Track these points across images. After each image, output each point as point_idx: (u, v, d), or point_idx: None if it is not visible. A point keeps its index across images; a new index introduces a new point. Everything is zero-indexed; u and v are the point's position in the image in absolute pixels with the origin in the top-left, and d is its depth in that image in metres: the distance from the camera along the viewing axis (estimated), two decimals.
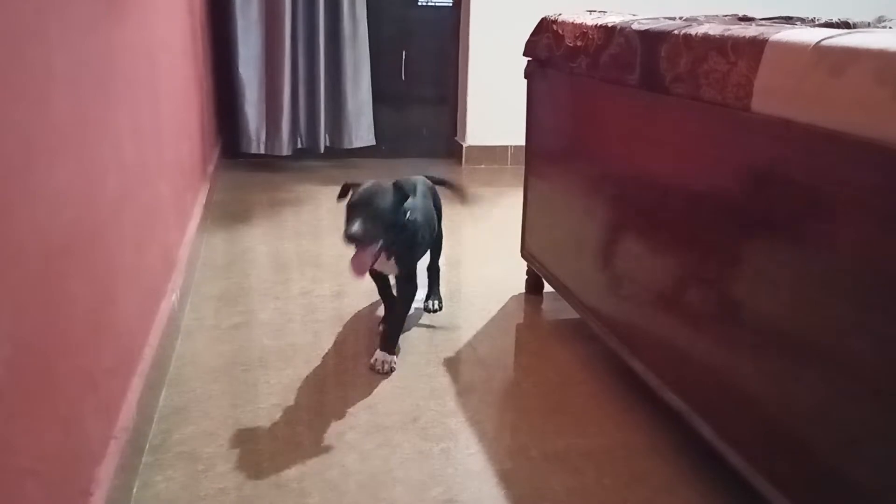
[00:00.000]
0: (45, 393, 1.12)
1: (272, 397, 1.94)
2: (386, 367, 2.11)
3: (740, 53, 1.42)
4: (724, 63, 1.47)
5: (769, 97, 1.36)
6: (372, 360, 2.13)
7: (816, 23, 1.70)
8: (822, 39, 1.26)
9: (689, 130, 1.62)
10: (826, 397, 1.25)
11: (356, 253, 1.96)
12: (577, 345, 2.30)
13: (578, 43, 2.13)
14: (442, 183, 2.55)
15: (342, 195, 2.10)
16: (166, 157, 2.46)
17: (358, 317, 2.48)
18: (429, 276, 2.57)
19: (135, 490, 1.56)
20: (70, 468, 1.22)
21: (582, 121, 2.20)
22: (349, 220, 1.93)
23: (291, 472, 1.63)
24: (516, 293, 2.71)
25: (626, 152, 1.92)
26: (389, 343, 2.16)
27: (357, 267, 1.95)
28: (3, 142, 0.98)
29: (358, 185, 2.03)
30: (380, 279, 2.35)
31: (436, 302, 2.55)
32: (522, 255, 2.69)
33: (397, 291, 2.25)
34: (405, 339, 2.31)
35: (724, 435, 1.52)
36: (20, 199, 1.04)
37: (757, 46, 1.38)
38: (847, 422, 1.21)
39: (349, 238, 1.90)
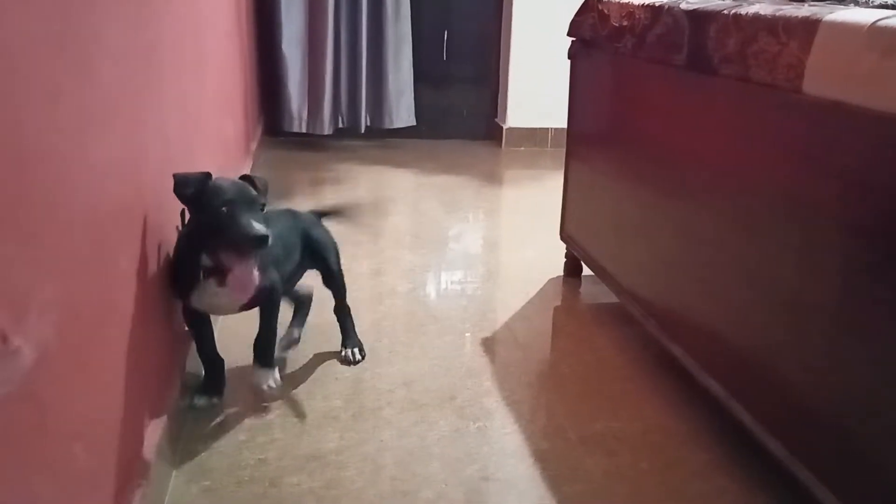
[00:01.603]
0: (93, 359, 1.14)
1: (310, 372, 1.97)
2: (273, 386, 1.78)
3: (792, 34, 1.39)
4: (774, 43, 1.44)
5: (821, 78, 1.32)
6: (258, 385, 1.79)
7: (871, 4, 1.65)
8: (877, 20, 1.22)
9: (736, 112, 1.59)
10: (871, 387, 1.23)
11: (245, 265, 1.57)
12: (615, 328, 2.29)
13: (624, 23, 2.10)
14: (333, 212, 2.28)
15: (184, 188, 1.59)
16: (209, 134, 2.49)
17: (395, 294, 2.49)
18: (338, 321, 2.12)
19: (177, 458, 1.59)
20: (116, 433, 1.25)
21: (626, 102, 2.17)
22: (235, 217, 1.54)
23: (329, 445, 1.66)
24: (555, 276, 2.70)
25: (670, 134, 1.89)
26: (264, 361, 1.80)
27: (248, 285, 1.59)
28: (57, 111, 1.00)
29: (199, 176, 1.60)
30: (204, 325, 1.80)
31: (355, 350, 2.05)
32: (562, 238, 2.67)
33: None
34: (442, 320, 2.31)
35: (763, 422, 1.50)
36: (74, 169, 1.06)
37: (810, 27, 1.35)
38: (891, 411, 1.19)
39: (258, 240, 1.53)
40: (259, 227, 1.53)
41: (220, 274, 1.60)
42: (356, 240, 3.01)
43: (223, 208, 1.55)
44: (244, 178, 1.71)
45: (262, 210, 1.65)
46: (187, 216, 1.68)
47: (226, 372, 1.84)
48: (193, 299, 1.67)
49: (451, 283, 2.64)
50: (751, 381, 1.55)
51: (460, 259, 2.90)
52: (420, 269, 2.74)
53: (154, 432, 1.46)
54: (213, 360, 1.81)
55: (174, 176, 1.57)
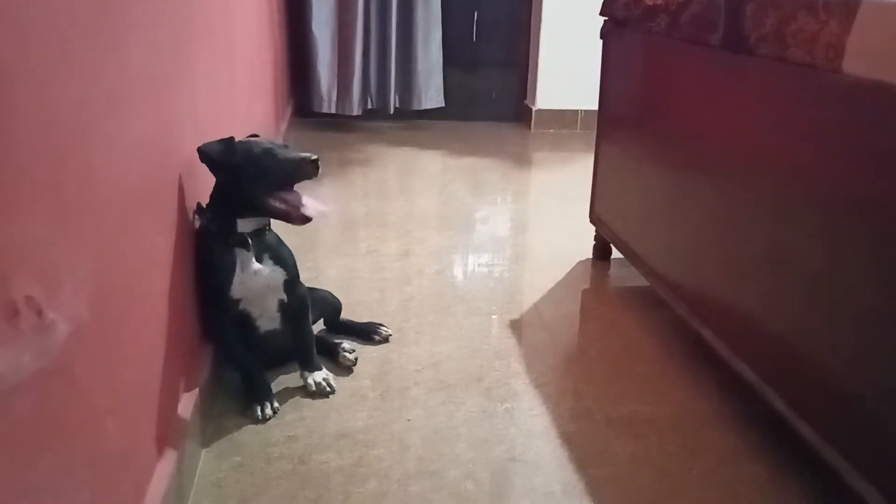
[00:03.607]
0: (126, 334, 1.16)
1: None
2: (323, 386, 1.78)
3: (832, 12, 1.35)
4: (813, 23, 1.40)
5: (862, 58, 1.29)
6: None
7: None
8: None
9: (773, 93, 1.55)
10: None
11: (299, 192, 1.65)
12: (643, 312, 2.27)
13: (658, 1, 2.06)
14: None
15: (212, 151, 1.60)
16: (239, 114, 2.50)
17: (423, 276, 2.49)
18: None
19: (208, 434, 1.61)
20: (148, 408, 1.27)
21: (659, 82, 2.14)
22: (276, 154, 1.61)
23: (357, 424, 1.67)
24: (583, 259, 2.68)
25: (705, 116, 1.86)
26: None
27: (315, 203, 1.66)
28: (91, 90, 1.01)
29: (223, 140, 1.63)
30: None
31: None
32: (591, 220, 2.65)
33: (291, 302, 1.79)
34: (470, 302, 2.31)
35: (796, 407, 1.48)
36: (107, 148, 1.07)
37: (850, 5, 1.31)
38: None
39: (312, 163, 1.61)
40: (305, 154, 1.61)
41: (261, 235, 1.69)
42: (383, 221, 3.02)
43: (259, 153, 1.60)
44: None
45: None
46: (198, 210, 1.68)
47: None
48: (235, 287, 1.65)
49: (479, 264, 2.64)
50: (785, 366, 1.53)
51: (488, 241, 2.89)
52: (448, 250, 2.74)
53: (185, 408, 1.49)
54: (258, 366, 1.77)
55: (198, 149, 1.59)
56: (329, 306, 2.05)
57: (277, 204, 1.62)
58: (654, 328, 2.17)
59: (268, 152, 1.61)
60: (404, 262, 2.62)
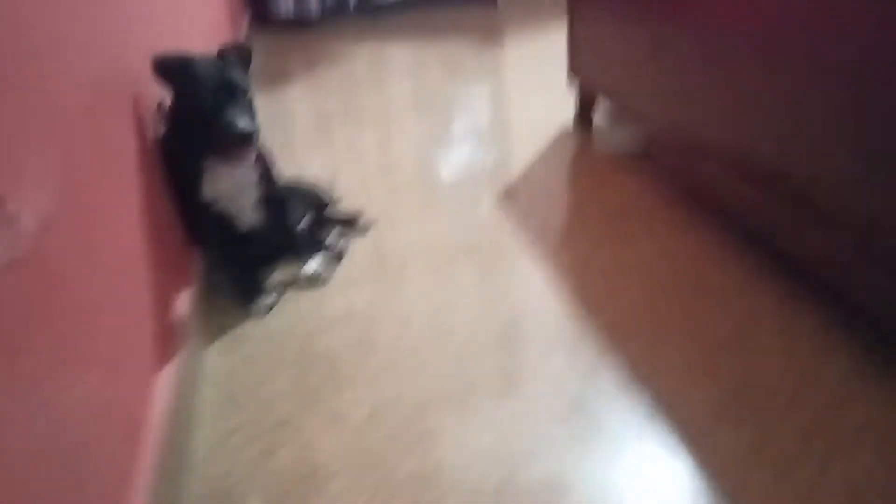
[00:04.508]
0: (103, 228, 1.12)
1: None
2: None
3: None
4: None
5: None
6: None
7: None
8: None
9: None
10: None
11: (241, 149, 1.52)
12: (630, 172, 2.24)
13: None
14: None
15: (163, 69, 1.51)
16: (196, 18, 2.40)
17: (405, 161, 2.45)
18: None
19: (210, 332, 1.60)
20: (144, 305, 1.25)
21: None
22: (220, 110, 1.49)
23: (356, 306, 1.66)
24: (565, 127, 2.63)
25: None
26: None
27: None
28: None
29: (179, 59, 1.51)
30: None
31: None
32: (571, 71, 2.54)
33: (270, 198, 1.73)
34: (456, 181, 2.28)
35: (795, 228, 1.47)
36: (63, 40, 1.00)
37: None
38: None
39: (243, 137, 1.49)
40: (245, 124, 1.48)
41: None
42: (359, 115, 2.94)
43: (206, 99, 1.48)
44: (225, 51, 1.59)
45: (247, 94, 1.56)
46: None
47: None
48: (206, 190, 1.58)
49: (461, 144, 2.59)
50: (783, 191, 1.51)
51: (468, 121, 2.82)
52: (427, 135, 2.68)
53: (184, 305, 1.47)
54: (248, 261, 1.74)
55: (153, 58, 1.49)
56: (317, 197, 2.01)
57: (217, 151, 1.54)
58: (643, 185, 2.14)
59: (215, 101, 1.49)
60: (385, 150, 2.56)
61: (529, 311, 1.59)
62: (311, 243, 1.85)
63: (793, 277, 1.60)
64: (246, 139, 1.49)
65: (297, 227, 1.80)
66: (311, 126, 2.85)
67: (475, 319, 1.57)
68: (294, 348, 1.53)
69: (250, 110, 1.56)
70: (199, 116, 1.49)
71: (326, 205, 2.05)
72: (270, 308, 1.67)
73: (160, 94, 1.60)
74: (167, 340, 1.33)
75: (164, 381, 1.23)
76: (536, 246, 1.84)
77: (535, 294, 1.65)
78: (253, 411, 1.36)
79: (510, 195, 2.15)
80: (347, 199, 2.17)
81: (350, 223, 2.01)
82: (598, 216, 1.98)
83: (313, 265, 1.77)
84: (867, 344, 1.38)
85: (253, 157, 1.57)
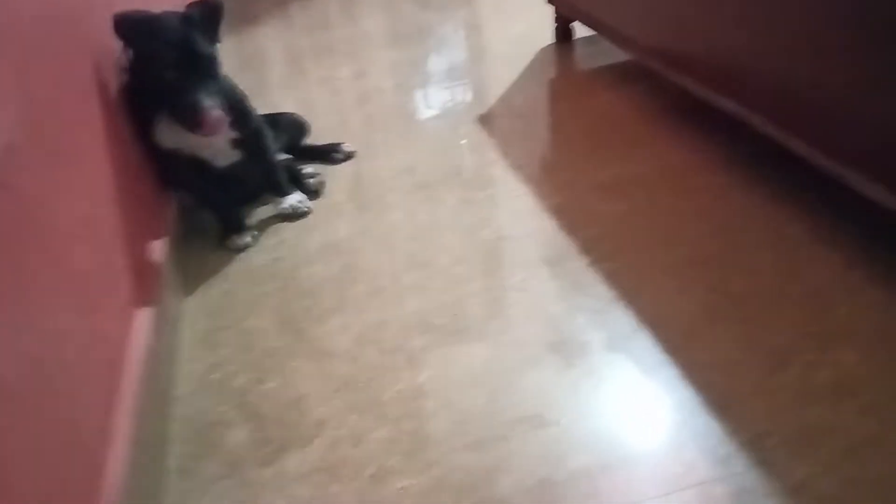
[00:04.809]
0: (69, 155, 1.07)
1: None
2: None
3: None
4: None
5: None
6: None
7: None
8: None
9: None
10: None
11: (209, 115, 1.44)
12: (613, 87, 2.18)
13: None
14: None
15: (125, 31, 1.43)
16: None
17: (381, 91, 2.38)
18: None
19: (191, 269, 1.57)
20: (120, 239, 1.20)
21: None
22: (184, 76, 1.43)
23: (339, 236, 1.62)
24: (545, 45, 2.56)
25: None
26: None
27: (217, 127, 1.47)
28: None
29: (141, 20, 1.43)
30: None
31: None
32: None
33: (246, 137, 1.67)
34: (435, 106, 2.22)
35: (781, 124, 1.43)
36: None
37: None
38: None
39: (205, 115, 1.42)
40: (207, 104, 1.41)
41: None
42: (331, 49, 2.86)
43: (168, 71, 1.41)
44: (192, 9, 1.49)
45: (214, 63, 1.48)
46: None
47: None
48: (170, 139, 1.52)
49: (438, 70, 2.52)
50: (769, 91, 1.46)
51: (444, 47, 2.75)
52: (403, 64, 2.60)
53: (160, 245, 1.43)
54: (226, 199, 1.68)
55: (114, 16, 1.41)
56: (299, 128, 1.96)
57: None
58: (625, 100, 2.09)
59: (177, 77, 1.42)
60: (360, 82, 2.49)
61: (513, 233, 1.55)
62: (291, 176, 1.80)
63: (776, 186, 1.56)
64: (210, 116, 1.42)
65: (276, 162, 1.74)
66: (284, 64, 2.77)
67: (459, 244, 1.54)
68: (276, 282, 1.50)
69: (216, 82, 1.47)
70: (159, 87, 1.42)
71: (304, 135, 1.99)
72: (249, 244, 1.63)
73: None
74: (144, 279, 1.29)
75: (143, 319, 1.20)
76: (519, 168, 1.80)
77: (518, 215, 1.61)
78: (236, 345, 1.33)
79: (491, 118, 2.09)
80: (326, 133, 2.11)
81: (327, 155, 1.96)
82: (579, 134, 1.93)
83: (294, 198, 1.73)
84: (861, 245, 1.36)
85: (222, 128, 1.48)
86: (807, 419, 1.02)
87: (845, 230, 1.39)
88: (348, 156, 1.96)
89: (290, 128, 1.92)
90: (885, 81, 1.15)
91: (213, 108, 1.42)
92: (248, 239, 1.64)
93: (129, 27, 1.41)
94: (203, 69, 1.45)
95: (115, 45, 1.50)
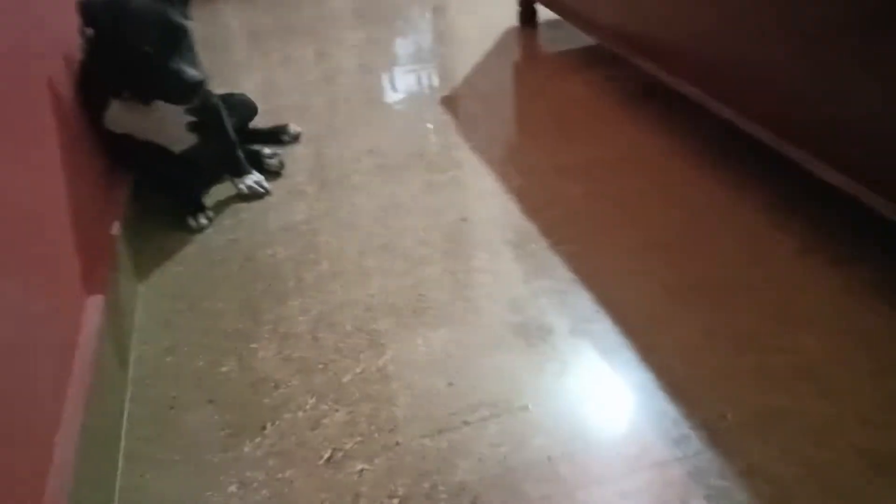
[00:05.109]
0: (12, 119, 1.03)
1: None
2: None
3: None
4: None
5: None
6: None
7: None
8: None
9: None
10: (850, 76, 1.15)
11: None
12: (578, 71, 2.17)
13: None
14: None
15: (94, 19, 1.38)
16: None
17: (344, 72, 2.34)
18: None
19: (144, 252, 1.53)
20: (71, 215, 1.17)
21: None
22: (163, 62, 1.38)
23: (299, 217, 1.59)
24: (510, 27, 2.54)
25: None
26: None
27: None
28: None
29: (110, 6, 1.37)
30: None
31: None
32: None
33: (203, 119, 1.61)
34: (398, 87, 2.19)
35: (745, 113, 1.44)
36: None
37: None
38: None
39: (193, 88, 1.40)
40: (192, 74, 1.38)
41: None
42: (293, 28, 2.81)
43: (147, 46, 1.36)
44: None
45: (188, 35, 1.43)
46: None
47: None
48: (125, 126, 1.48)
49: (403, 51, 2.49)
50: (731, 79, 1.47)
51: (409, 28, 2.71)
52: (367, 45, 2.57)
53: (114, 226, 1.39)
54: (182, 181, 1.64)
55: (78, 2, 1.34)
56: (248, 109, 1.91)
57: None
58: (589, 84, 2.08)
59: (156, 51, 1.37)
60: (323, 63, 2.45)
61: (476, 215, 1.54)
62: (250, 157, 1.76)
63: (737, 171, 1.57)
64: (195, 88, 1.39)
65: (235, 142, 1.70)
66: (245, 43, 2.71)
67: (424, 225, 1.52)
68: (235, 263, 1.47)
69: (194, 53, 1.44)
70: (139, 64, 1.37)
71: (253, 116, 1.94)
72: (205, 226, 1.59)
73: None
74: (96, 260, 1.25)
75: (95, 302, 1.16)
76: (482, 150, 1.79)
77: (482, 197, 1.60)
78: (193, 327, 1.31)
79: (457, 99, 2.07)
80: (286, 111, 2.07)
81: (274, 137, 1.91)
82: (543, 117, 1.92)
83: (253, 178, 1.69)
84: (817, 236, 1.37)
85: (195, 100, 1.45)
86: (764, 403, 1.03)
87: (805, 216, 1.40)
88: (295, 137, 1.93)
89: (239, 108, 1.86)
90: (841, 69, 1.16)
91: (197, 77, 1.39)
92: (204, 221, 1.60)
93: (98, 11, 1.36)
94: (179, 41, 1.41)
95: (67, 29, 1.45)
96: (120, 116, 1.47)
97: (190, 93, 1.40)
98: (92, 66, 1.45)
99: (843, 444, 0.96)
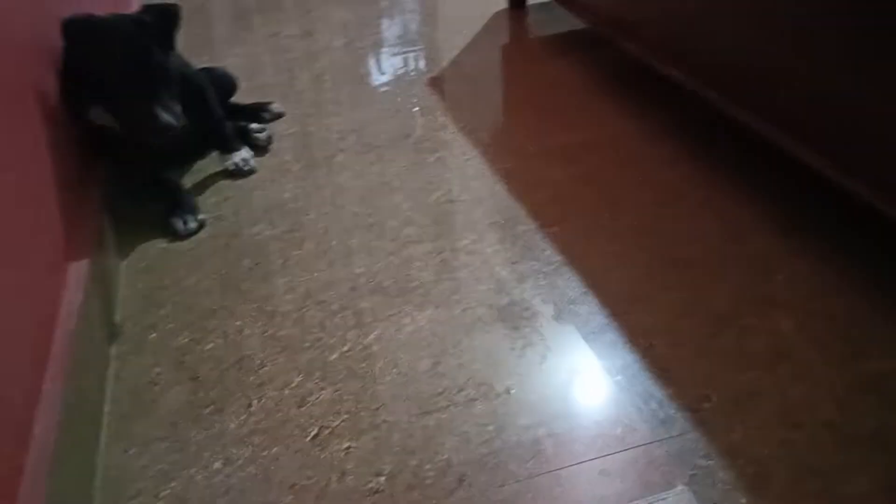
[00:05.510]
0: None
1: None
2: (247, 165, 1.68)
3: None
4: None
5: None
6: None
7: None
8: None
9: None
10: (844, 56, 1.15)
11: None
12: (566, 54, 2.16)
13: None
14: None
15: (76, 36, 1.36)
16: None
17: (331, 50, 2.32)
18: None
19: (127, 230, 1.51)
20: (52, 196, 1.15)
21: None
22: (139, 90, 1.35)
23: (285, 196, 1.58)
24: (499, 9, 2.52)
25: None
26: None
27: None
28: None
29: (85, 27, 1.35)
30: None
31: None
32: None
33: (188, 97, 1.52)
34: (385, 67, 2.18)
35: (732, 99, 1.44)
36: None
37: None
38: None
39: (161, 132, 1.36)
40: (165, 119, 1.33)
41: None
42: (278, 5, 2.78)
43: (121, 85, 1.33)
44: (147, 15, 1.41)
45: (169, 74, 1.40)
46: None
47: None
48: (100, 117, 1.42)
49: (389, 31, 2.47)
50: (718, 65, 1.47)
51: (395, 8, 2.69)
52: (354, 23, 2.54)
53: (97, 199, 1.37)
54: (169, 180, 1.58)
55: (62, 21, 1.32)
56: (228, 83, 1.88)
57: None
58: (577, 68, 2.07)
59: (131, 91, 1.34)
60: (308, 40, 2.43)
61: (462, 196, 1.54)
62: (235, 134, 1.74)
63: (721, 154, 1.58)
64: (164, 133, 1.35)
65: (222, 118, 1.68)
66: (230, 19, 2.68)
67: (410, 205, 1.52)
68: (220, 240, 1.46)
69: (173, 92, 1.39)
70: (108, 94, 1.34)
71: (233, 92, 1.91)
72: (193, 231, 1.48)
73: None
74: (76, 236, 1.23)
75: (75, 278, 1.15)
76: (469, 132, 1.78)
77: (468, 179, 1.59)
78: (176, 304, 1.29)
79: (444, 80, 2.06)
80: (271, 89, 2.05)
81: (255, 114, 1.88)
82: (530, 100, 1.91)
83: (241, 155, 1.67)
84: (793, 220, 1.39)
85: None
86: (744, 383, 1.04)
87: (784, 197, 1.41)
88: (277, 116, 1.90)
89: (219, 82, 1.82)
90: (817, 51, 1.17)
91: (169, 123, 1.35)
92: (193, 225, 1.49)
93: (79, 32, 1.33)
94: (157, 79, 1.37)
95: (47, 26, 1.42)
96: (100, 115, 1.42)
97: (159, 137, 1.36)
98: (69, 79, 1.40)
99: (817, 423, 0.97)
